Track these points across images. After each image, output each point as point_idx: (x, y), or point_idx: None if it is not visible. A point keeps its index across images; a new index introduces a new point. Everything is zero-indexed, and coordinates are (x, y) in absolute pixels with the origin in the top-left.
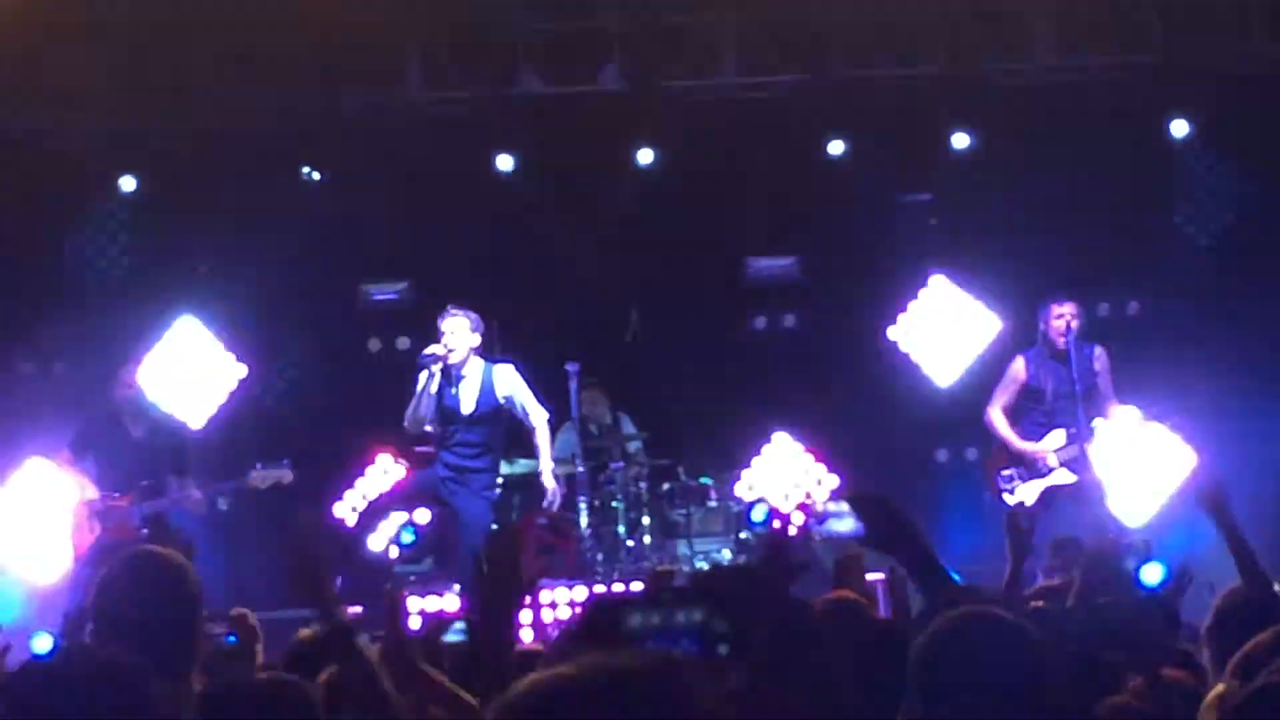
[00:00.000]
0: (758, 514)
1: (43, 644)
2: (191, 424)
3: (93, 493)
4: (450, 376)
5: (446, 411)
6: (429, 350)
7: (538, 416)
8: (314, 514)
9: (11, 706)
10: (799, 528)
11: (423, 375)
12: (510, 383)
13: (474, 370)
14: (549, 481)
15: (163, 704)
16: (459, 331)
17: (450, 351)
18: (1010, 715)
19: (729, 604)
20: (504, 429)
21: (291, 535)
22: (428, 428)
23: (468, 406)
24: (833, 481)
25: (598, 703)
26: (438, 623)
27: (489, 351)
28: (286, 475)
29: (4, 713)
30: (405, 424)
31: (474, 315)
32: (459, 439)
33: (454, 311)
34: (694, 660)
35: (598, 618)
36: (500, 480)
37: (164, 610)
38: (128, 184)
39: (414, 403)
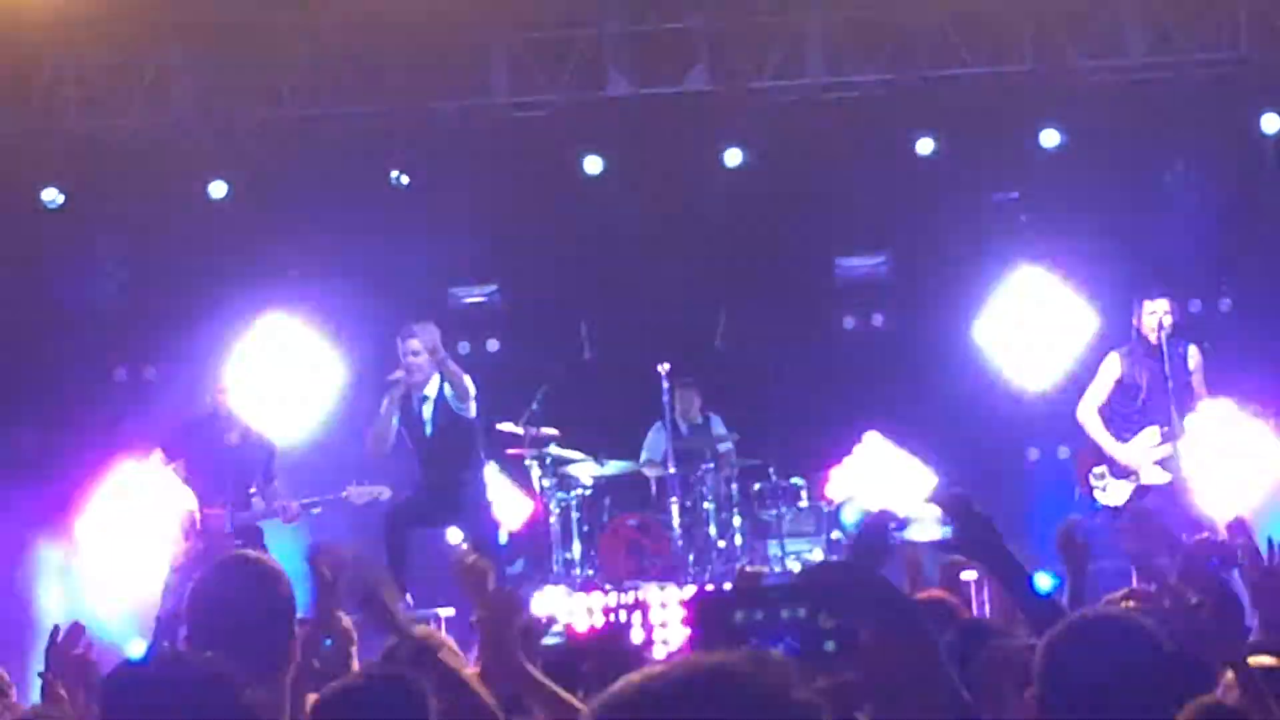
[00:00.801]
0: (848, 514)
1: (137, 649)
2: (291, 434)
3: (192, 501)
4: (413, 400)
5: (415, 435)
6: (394, 377)
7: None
8: (377, 571)
9: (108, 707)
10: (879, 526)
11: (385, 400)
12: (451, 384)
13: (432, 387)
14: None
15: (258, 710)
16: (420, 352)
17: (415, 371)
18: (1130, 715)
19: (835, 600)
20: (477, 438)
21: (361, 585)
22: (381, 448)
23: (429, 428)
24: (925, 481)
25: (688, 702)
26: (530, 629)
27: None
28: (385, 492)
29: (101, 713)
30: (366, 444)
31: (432, 328)
32: (433, 456)
33: (414, 332)
34: (792, 657)
35: (707, 614)
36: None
37: (257, 615)
38: (218, 189)
39: (378, 423)
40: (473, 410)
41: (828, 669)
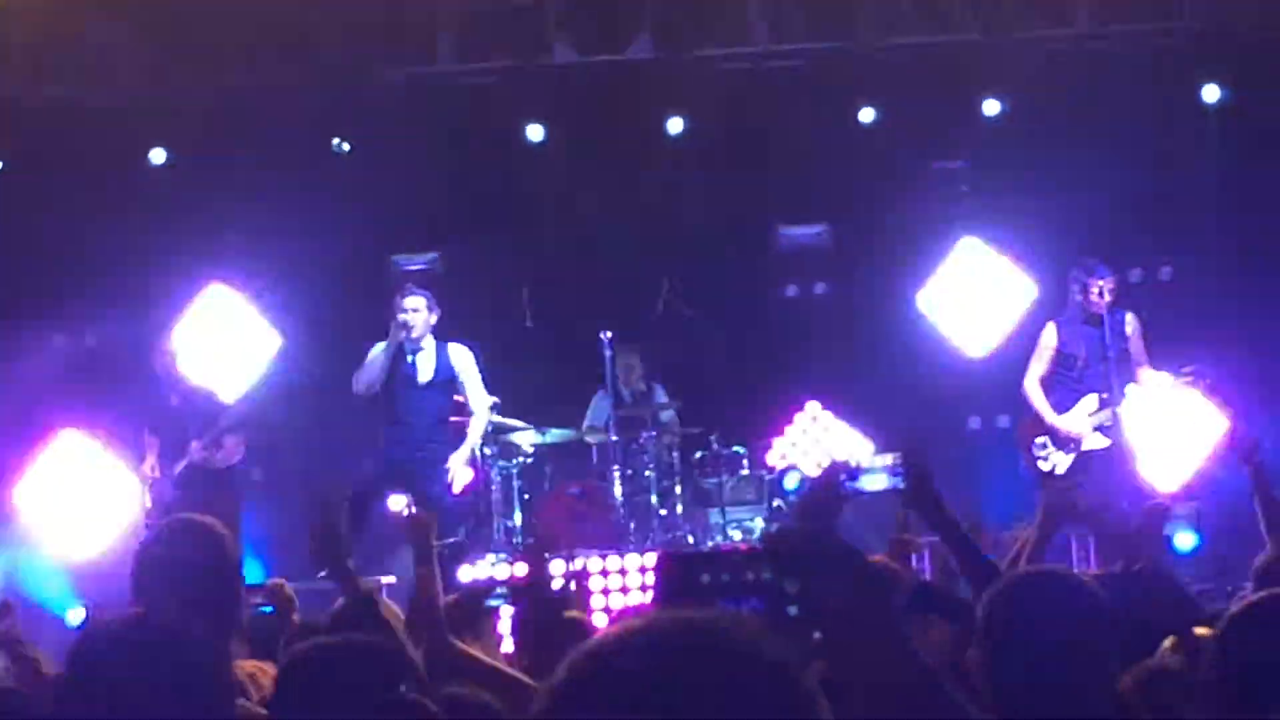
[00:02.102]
0: (790, 482)
1: (76, 617)
2: (224, 395)
3: (154, 470)
4: (405, 349)
5: (403, 379)
6: (398, 324)
7: (479, 402)
8: (340, 493)
9: (77, 672)
10: (830, 481)
11: (378, 347)
12: (463, 360)
13: (430, 344)
14: (458, 462)
15: (227, 673)
16: (420, 309)
17: (411, 328)
18: (1075, 671)
19: (799, 564)
20: (457, 409)
21: (318, 512)
22: (369, 391)
23: (424, 375)
24: (864, 449)
25: (665, 657)
26: (473, 590)
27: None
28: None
29: (70, 675)
30: (356, 386)
31: (430, 295)
32: (413, 409)
33: (414, 291)
34: (762, 619)
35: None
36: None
37: (203, 577)
38: (158, 155)
39: (370, 367)
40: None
41: (791, 632)
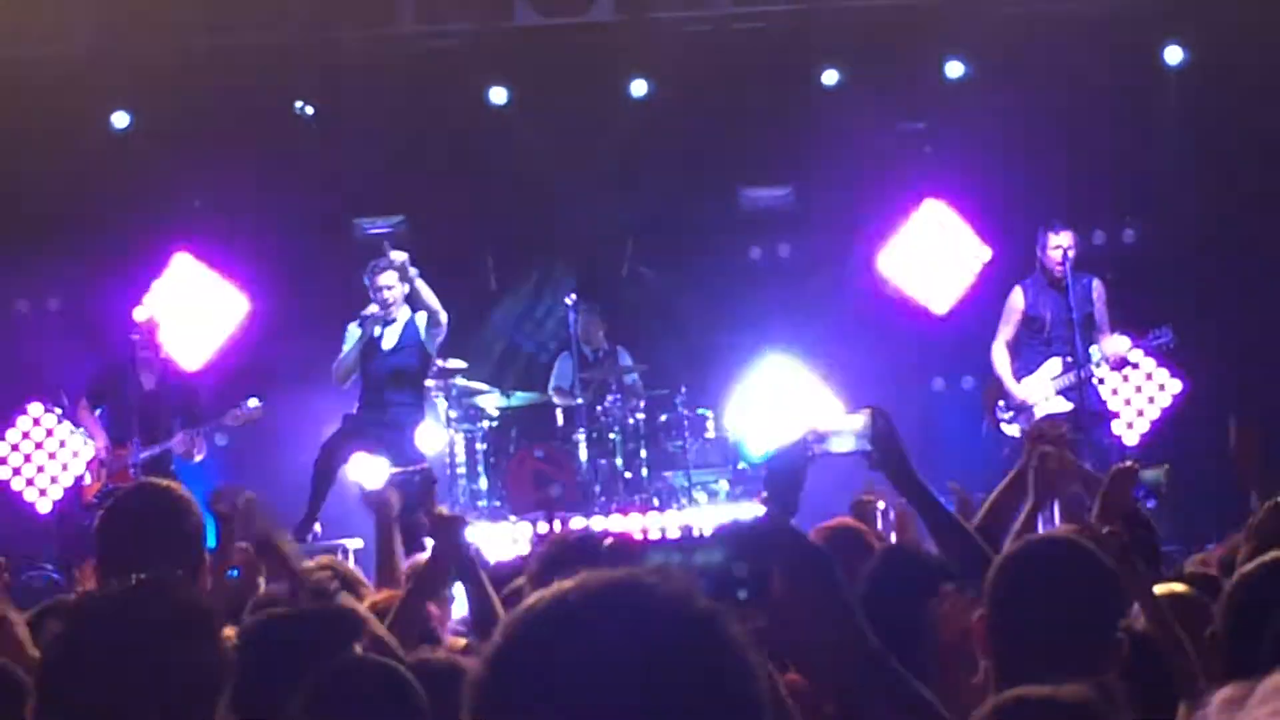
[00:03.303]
0: (752, 445)
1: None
2: (192, 364)
3: (101, 442)
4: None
5: (369, 348)
6: (368, 312)
7: (438, 314)
8: (252, 498)
9: (75, 641)
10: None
11: (354, 329)
12: (423, 318)
13: (402, 316)
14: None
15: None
16: (394, 284)
17: (390, 305)
18: (1086, 636)
19: (748, 549)
20: (424, 370)
21: (241, 519)
22: (350, 378)
23: (389, 343)
24: (827, 402)
25: (596, 612)
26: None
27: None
28: (256, 414)
29: (67, 641)
30: (335, 376)
31: (400, 263)
32: (377, 374)
33: (385, 265)
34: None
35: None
36: (495, 413)
37: (166, 542)
38: (120, 119)
39: (346, 356)
40: (435, 343)
41: (740, 616)
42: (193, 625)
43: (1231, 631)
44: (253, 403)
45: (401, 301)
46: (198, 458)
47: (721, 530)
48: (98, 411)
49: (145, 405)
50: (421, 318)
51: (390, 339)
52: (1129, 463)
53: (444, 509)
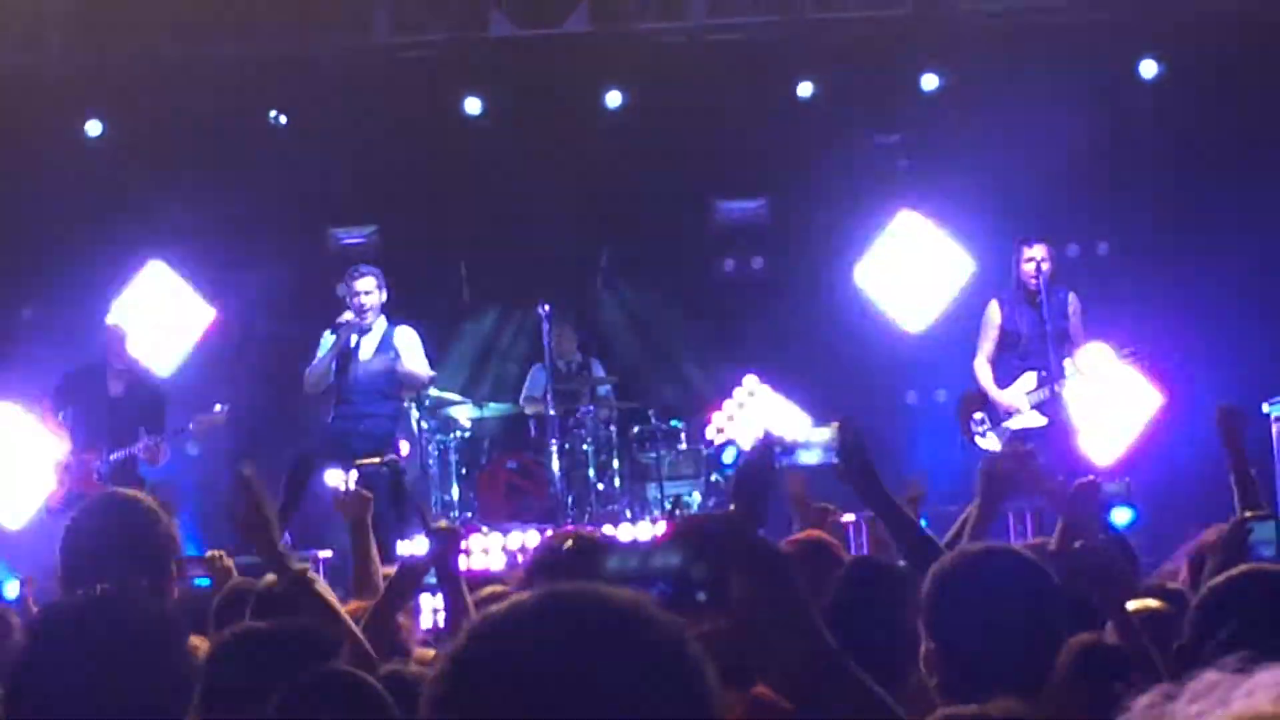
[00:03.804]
0: (728, 456)
1: (11, 590)
2: (161, 370)
3: (66, 446)
4: (358, 329)
5: (344, 358)
6: (344, 319)
7: (418, 365)
8: (252, 469)
9: (38, 651)
10: (764, 454)
11: (328, 336)
12: (406, 338)
13: (378, 325)
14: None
15: (188, 654)
16: (372, 290)
17: (366, 311)
18: (1021, 646)
19: (707, 550)
20: (398, 380)
21: (236, 490)
22: (321, 386)
23: (366, 353)
24: (803, 419)
25: (547, 625)
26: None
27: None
28: (219, 418)
29: (30, 654)
30: (306, 383)
31: (379, 272)
32: (355, 386)
33: (364, 271)
34: (666, 603)
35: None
36: (467, 424)
37: (131, 553)
38: (93, 127)
39: (320, 362)
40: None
41: (699, 617)
42: (156, 636)
43: (1198, 644)
44: (216, 408)
45: (379, 310)
46: (161, 462)
47: (681, 528)
48: (61, 416)
49: (111, 410)
50: (400, 330)
51: (368, 349)
52: (1090, 477)
53: (444, 522)
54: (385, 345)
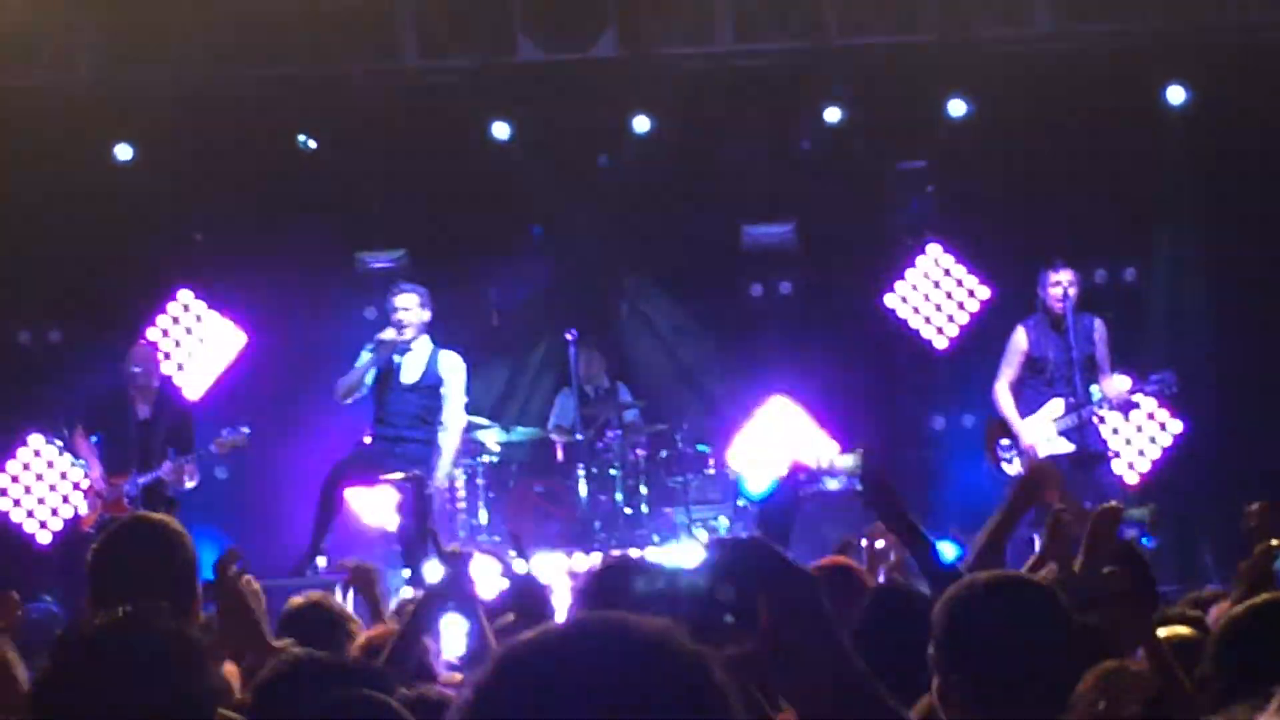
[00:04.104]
0: (751, 486)
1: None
2: (190, 394)
3: (96, 472)
4: (397, 348)
5: (386, 378)
6: (383, 336)
7: (452, 416)
8: (235, 564)
9: (62, 673)
10: (793, 483)
11: (367, 353)
12: (452, 368)
13: (421, 345)
14: (442, 481)
15: (217, 678)
16: (412, 308)
17: (405, 328)
18: (1034, 678)
19: (735, 573)
20: (439, 406)
21: (218, 590)
22: (351, 398)
23: (409, 376)
24: (830, 445)
25: (578, 653)
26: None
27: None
28: (241, 439)
29: (56, 674)
30: (337, 393)
31: (424, 291)
32: (395, 408)
33: (405, 288)
34: (691, 628)
35: (606, 583)
36: (496, 448)
37: (157, 576)
38: (123, 151)
39: (354, 374)
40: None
41: (726, 641)
42: (179, 656)
43: (1219, 673)
44: (243, 430)
45: (420, 329)
46: (189, 484)
47: (712, 549)
48: (93, 439)
49: (140, 434)
50: (446, 356)
51: (411, 373)
52: (1114, 502)
53: (455, 546)
54: (430, 372)
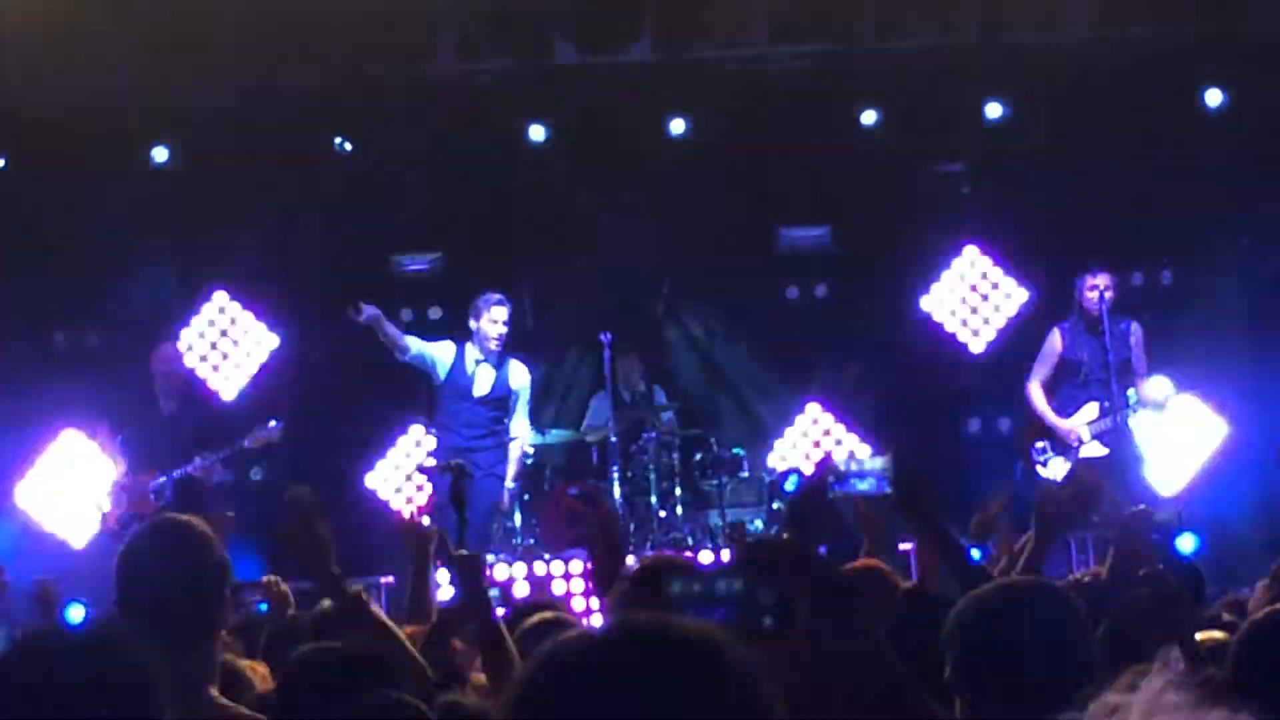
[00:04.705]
0: (790, 484)
1: (76, 614)
2: (223, 395)
3: (121, 468)
4: (468, 358)
5: (459, 390)
6: (477, 357)
7: (520, 427)
8: (307, 492)
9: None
10: (820, 484)
11: (448, 347)
12: (521, 380)
13: (497, 358)
14: (510, 485)
15: (163, 682)
16: (499, 322)
17: (490, 341)
18: (1049, 681)
19: (773, 575)
20: (507, 416)
21: (289, 513)
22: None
23: (481, 389)
24: (864, 450)
25: (622, 656)
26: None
27: (522, 321)
28: (275, 435)
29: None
30: (395, 347)
31: (511, 304)
32: (465, 419)
33: (502, 299)
34: (731, 628)
35: (643, 583)
36: (529, 456)
37: (185, 579)
38: (160, 154)
39: (410, 342)
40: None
41: (765, 642)
42: (124, 683)
43: (1241, 676)
44: (271, 424)
45: (500, 346)
46: (216, 480)
47: (746, 553)
48: (119, 439)
49: (165, 431)
50: (515, 368)
51: (484, 385)
52: (1143, 506)
53: (463, 551)
54: (502, 383)
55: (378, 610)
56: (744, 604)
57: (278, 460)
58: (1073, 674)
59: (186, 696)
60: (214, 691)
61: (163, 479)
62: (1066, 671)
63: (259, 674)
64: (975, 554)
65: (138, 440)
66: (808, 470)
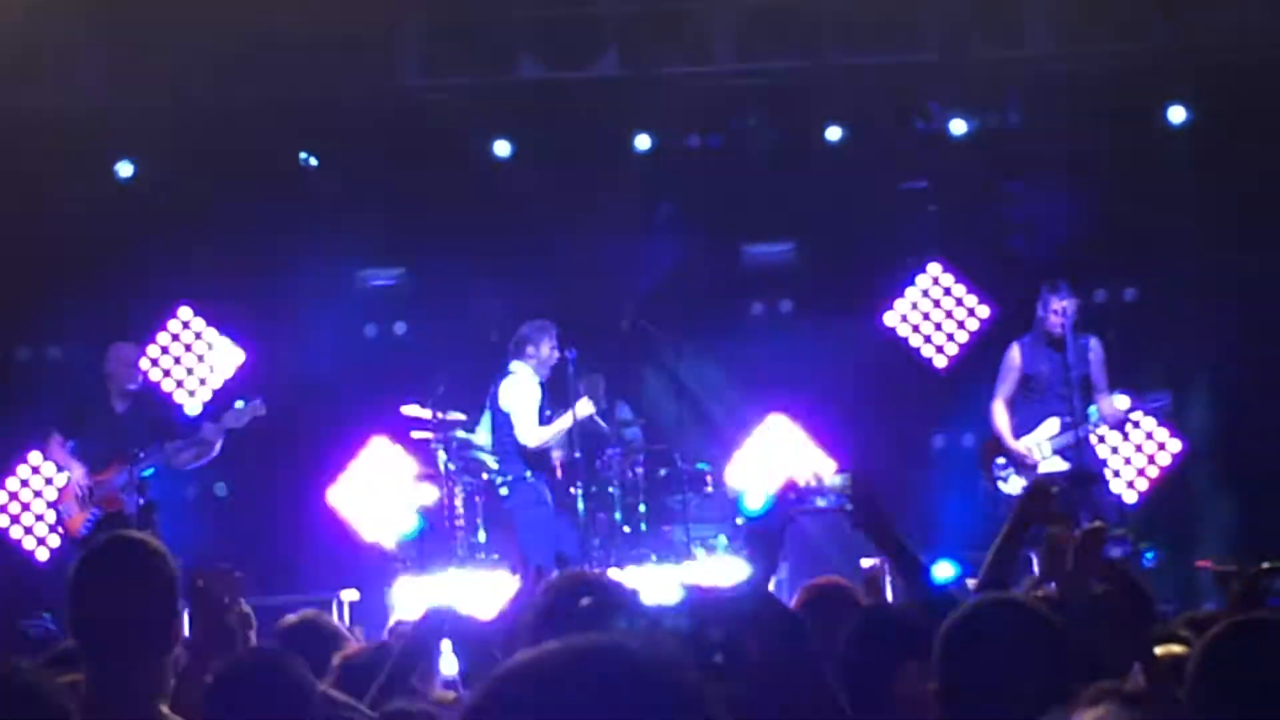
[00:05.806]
0: (748, 502)
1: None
2: (188, 410)
3: (79, 472)
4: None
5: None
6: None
7: (524, 433)
8: (220, 575)
9: None
10: (784, 503)
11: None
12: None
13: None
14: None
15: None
16: (535, 356)
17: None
18: (1030, 697)
19: (722, 615)
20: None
21: (198, 601)
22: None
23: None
24: (828, 465)
25: (576, 675)
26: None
27: (486, 335)
28: (260, 409)
29: None
30: (534, 440)
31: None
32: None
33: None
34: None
35: (559, 593)
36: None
37: (136, 597)
38: (125, 169)
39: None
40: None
41: (716, 680)
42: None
43: (1199, 691)
44: (240, 404)
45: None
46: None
47: (691, 598)
48: (69, 445)
49: (119, 426)
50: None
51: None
52: (1098, 522)
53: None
54: (493, 401)
55: (333, 624)
56: (695, 642)
57: (242, 475)
58: (1050, 691)
59: (139, 714)
60: (165, 709)
61: (127, 473)
62: (1044, 688)
63: None
64: (951, 571)
65: (93, 441)
66: (769, 486)
